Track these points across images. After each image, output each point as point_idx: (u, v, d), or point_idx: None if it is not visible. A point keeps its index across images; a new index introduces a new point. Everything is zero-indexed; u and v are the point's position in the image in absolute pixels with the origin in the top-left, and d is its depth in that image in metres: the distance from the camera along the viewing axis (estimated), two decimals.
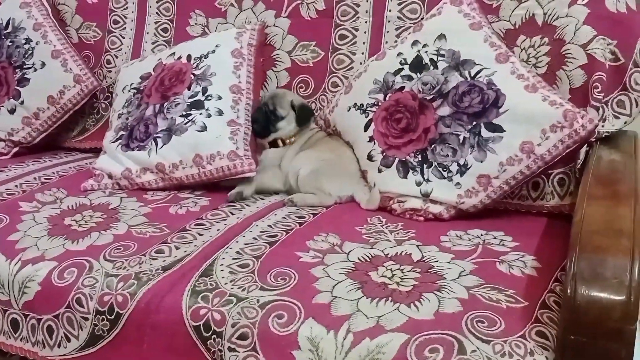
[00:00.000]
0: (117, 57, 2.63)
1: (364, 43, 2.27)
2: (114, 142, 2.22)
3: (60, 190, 2.16)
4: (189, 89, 2.17)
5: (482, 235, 1.76)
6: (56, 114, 2.53)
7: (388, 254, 1.65)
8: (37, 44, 2.52)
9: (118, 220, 1.92)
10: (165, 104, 2.16)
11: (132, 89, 2.31)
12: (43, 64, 2.50)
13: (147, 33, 2.61)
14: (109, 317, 1.57)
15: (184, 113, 2.13)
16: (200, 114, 2.13)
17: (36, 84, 2.48)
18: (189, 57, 2.27)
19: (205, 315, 1.47)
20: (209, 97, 2.15)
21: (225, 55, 2.25)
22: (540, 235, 1.79)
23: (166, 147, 2.10)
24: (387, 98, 2.01)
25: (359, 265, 1.60)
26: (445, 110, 1.87)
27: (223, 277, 1.57)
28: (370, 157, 2.01)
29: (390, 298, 1.44)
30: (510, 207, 1.98)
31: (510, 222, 1.87)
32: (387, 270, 1.57)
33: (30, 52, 2.51)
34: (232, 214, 1.95)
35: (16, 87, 2.50)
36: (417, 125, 1.93)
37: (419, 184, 1.90)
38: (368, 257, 1.64)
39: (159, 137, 2.12)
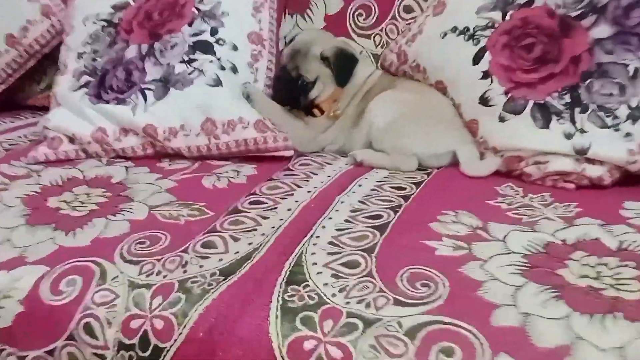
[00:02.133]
0: None
1: None
2: (76, 90, 1.64)
3: None
4: (190, 25, 1.64)
5: None
6: (18, 59, 1.94)
7: (565, 240, 1.10)
8: None
9: (130, 199, 1.31)
10: (157, 44, 1.63)
11: (101, 20, 1.76)
12: None
13: None
14: (141, 354, 0.98)
15: (186, 57, 1.60)
16: (211, 61, 1.58)
17: None
18: None
19: (315, 352, 0.89)
20: (221, 42, 1.63)
21: None
22: None
23: (160, 103, 1.55)
24: (507, 17, 1.46)
25: (532, 259, 1.04)
26: (603, 31, 1.38)
27: (326, 285, 0.99)
28: (485, 101, 1.44)
29: (618, 313, 0.89)
30: None
31: None
32: (584, 265, 1.02)
33: None
34: (298, 185, 1.35)
35: None
36: (561, 53, 1.38)
37: (569, 136, 1.35)
38: (538, 245, 1.08)
39: (150, 89, 1.57)
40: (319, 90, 1.60)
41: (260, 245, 1.11)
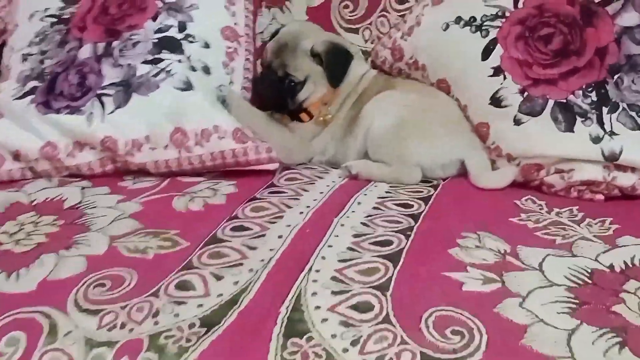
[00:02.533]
0: None
1: None
2: (20, 98, 1.42)
3: None
4: (153, 19, 1.45)
5: None
6: None
7: (613, 267, 0.94)
8: None
9: (87, 228, 1.09)
10: (115, 42, 1.42)
11: (49, 16, 1.55)
12: None
13: None
14: None
15: (150, 57, 1.40)
16: (179, 61, 1.38)
17: None
18: None
19: None
20: (190, 39, 1.43)
21: None
22: None
23: (121, 112, 1.35)
24: (520, 4, 1.32)
25: (579, 292, 0.87)
26: (631, 18, 1.27)
27: (334, 337, 0.79)
28: (497, 101, 1.27)
29: None
30: None
31: None
32: None
33: None
34: (288, 206, 1.15)
35: None
36: (584, 44, 1.24)
37: (597, 139, 1.19)
38: (582, 274, 0.91)
39: (108, 95, 1.36)
40: (309, 92, 1.39)
41: (249, 284, 0.91)
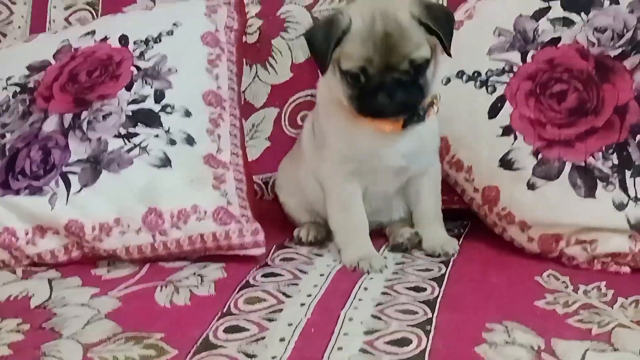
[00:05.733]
0: (4, 34, 1.71)
1: None
2: None
3: None
4: (128, 89, 1.31)
5: None
6: None
7: None
8: None
9: (57, 333, 0.95)
10: (85, 113, 1.29)
11: (12, 85, 1.42)
12: None
13: None
14: None
15: (124, 131, 1.27)
16: (156, 135, 1.26)
17: None
18: (124, 39, 1.42)
19: None
20: (168, 109, 1.31)
21: (192, 40, 1.41)
22: None
23: (88, 191, 1.23)
24: (528, 58, 1.21)
25: None
26: None
27: None
28: (508, 163, 1.17)
29: None
30: None
31: None
32: None
33: None
34: (286, 294, 1.02)
35: None
36: (601, 102, 1.14)
37: (621, 206, 1.09)
38: None
39: (73, 173, 1.24)
40: (431, 72, 1.10)
41: None
